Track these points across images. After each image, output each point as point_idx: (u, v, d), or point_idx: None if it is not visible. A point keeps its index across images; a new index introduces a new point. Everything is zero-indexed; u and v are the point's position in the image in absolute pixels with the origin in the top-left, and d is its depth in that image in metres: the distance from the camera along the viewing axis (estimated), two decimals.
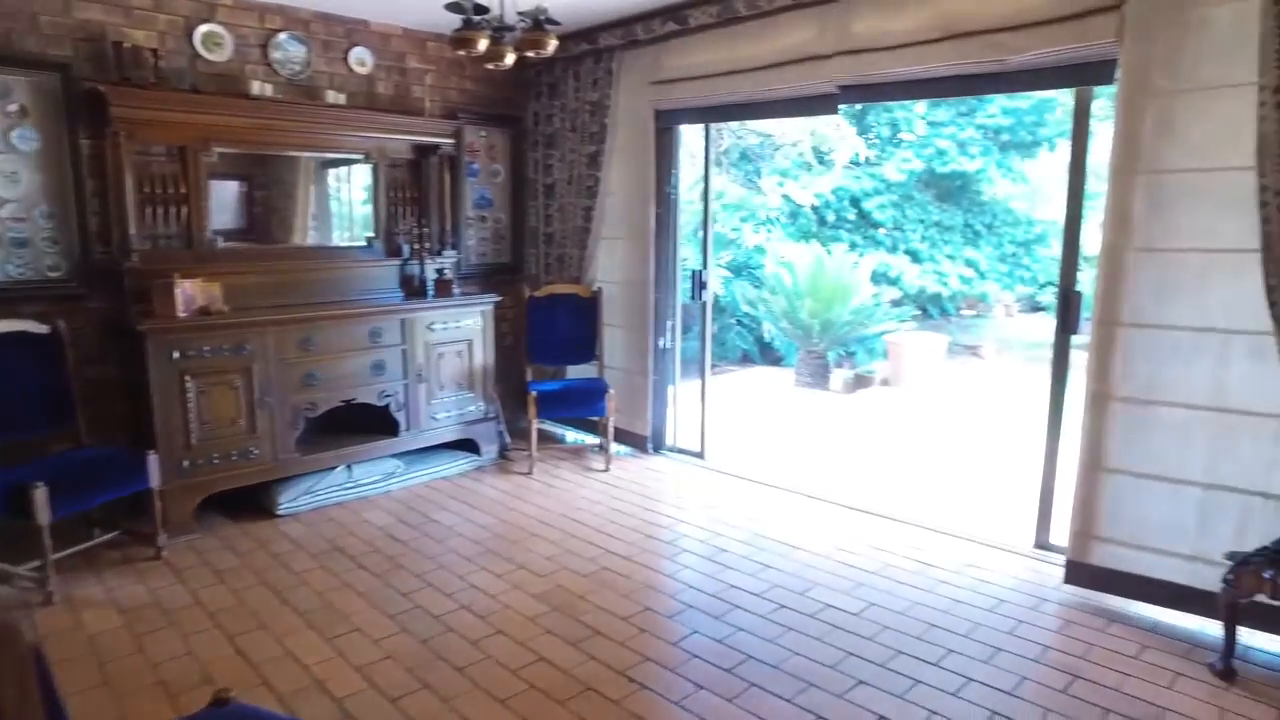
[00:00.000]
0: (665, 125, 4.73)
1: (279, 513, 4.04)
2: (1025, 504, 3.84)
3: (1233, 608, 2.48)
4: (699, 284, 4.82)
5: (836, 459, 5.73)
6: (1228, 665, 2.53)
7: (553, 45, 3.16)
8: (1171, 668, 2.68)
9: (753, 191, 11.70)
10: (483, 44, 3.09)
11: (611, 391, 4.79)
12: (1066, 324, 3.36)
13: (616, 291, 5.08)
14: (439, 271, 4.82)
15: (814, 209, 12.81)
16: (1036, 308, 20.40)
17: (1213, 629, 2.78)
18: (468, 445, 4.92)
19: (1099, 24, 2.97)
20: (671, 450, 5.17)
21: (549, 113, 5.19)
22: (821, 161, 13.42)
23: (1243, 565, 2.41)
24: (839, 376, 10.92)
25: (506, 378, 5.24)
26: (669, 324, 5.03)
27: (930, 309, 14.46)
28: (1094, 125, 3.25)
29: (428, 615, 3.08)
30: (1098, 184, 3.21)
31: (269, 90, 4.21)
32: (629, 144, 4.83)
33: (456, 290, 4.81)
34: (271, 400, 3.98)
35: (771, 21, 4.00)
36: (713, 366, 12.72)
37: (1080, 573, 3.21)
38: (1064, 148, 16.37)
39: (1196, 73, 2.78)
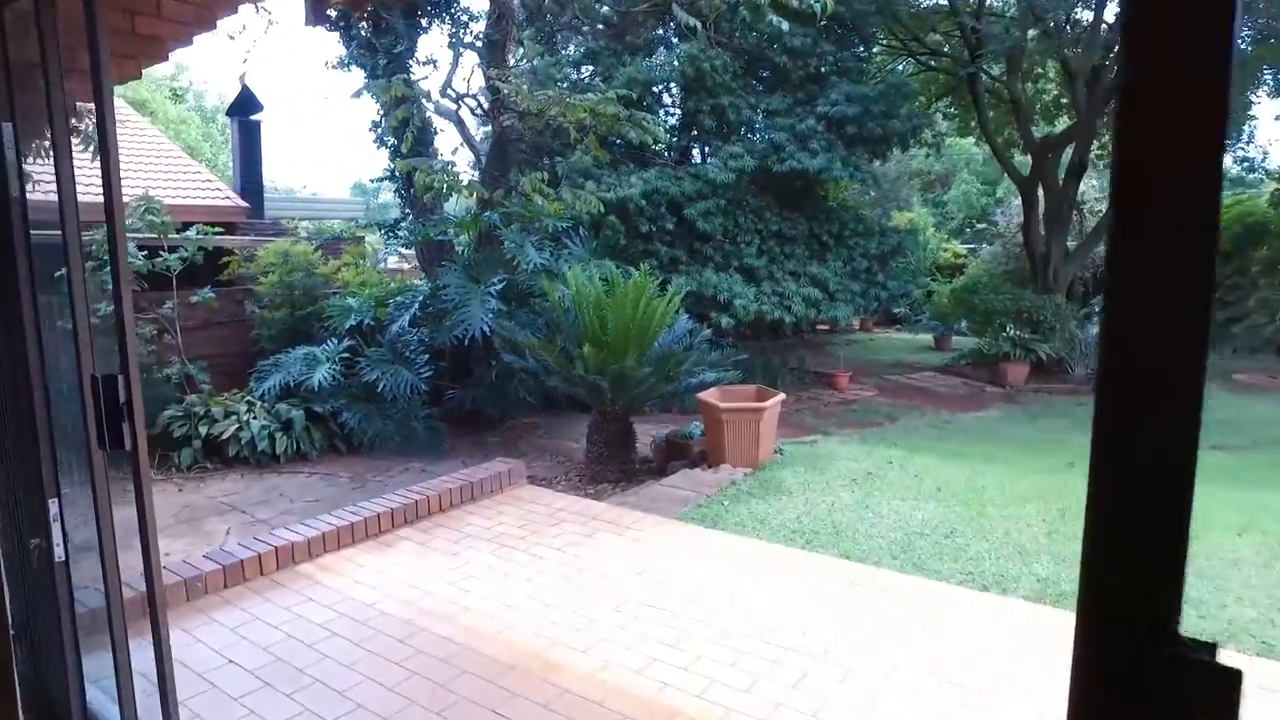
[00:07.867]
0: None
1: None
2: None
3: None
4: (103, 406, 1.82)
5: None
6: None
7: None
8: None
9: (539, 195, 8.79)
10: None
11: None
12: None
13: None
14: None
15: (620, 217, 10.09)
16: (893, 320, 18.73)
17: None
18: None
19: None
20: None
21: None
22: (632, 157, 10.75)
23: None
24: (647, 442, 8.22)
25: None
26: (53, 501, 1.99)
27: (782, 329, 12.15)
28: None
29: None
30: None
31: None
32: None
33: None
34: None
35: None
36: (498, 423, 9.76)
37: None
38: (918, 148, 14.36)
39: None
